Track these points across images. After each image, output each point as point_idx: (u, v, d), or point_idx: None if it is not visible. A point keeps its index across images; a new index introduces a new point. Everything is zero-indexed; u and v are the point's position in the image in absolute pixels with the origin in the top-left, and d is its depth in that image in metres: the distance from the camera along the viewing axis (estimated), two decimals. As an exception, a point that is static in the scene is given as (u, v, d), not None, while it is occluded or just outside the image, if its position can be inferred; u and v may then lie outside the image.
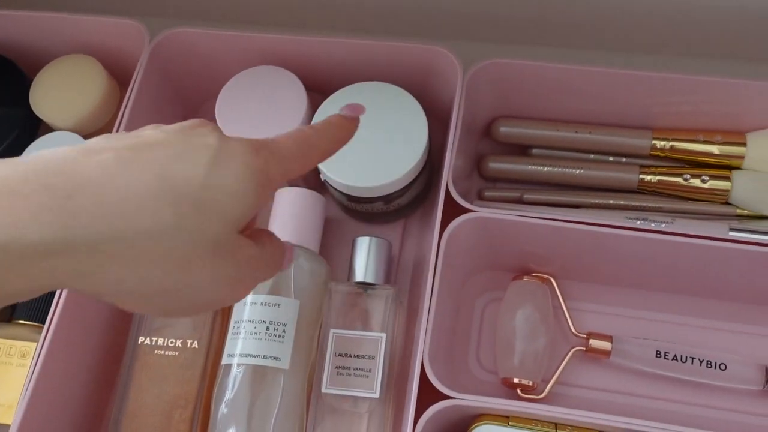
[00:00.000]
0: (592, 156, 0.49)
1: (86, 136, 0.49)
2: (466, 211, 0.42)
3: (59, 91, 0.50)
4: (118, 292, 0.24)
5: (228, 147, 0.25)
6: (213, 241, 0.24)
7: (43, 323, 0.45)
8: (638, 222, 0.44)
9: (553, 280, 0.46)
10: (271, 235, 0.29)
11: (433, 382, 0.37)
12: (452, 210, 0.42)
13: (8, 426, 0.43)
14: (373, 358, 0.42)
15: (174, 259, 0.23)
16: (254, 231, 0.28)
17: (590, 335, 0.44)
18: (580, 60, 0.45)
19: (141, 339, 0.43)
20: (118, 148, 0.24)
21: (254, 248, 0.27)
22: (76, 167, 0.23)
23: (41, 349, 0.40)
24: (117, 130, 0.45)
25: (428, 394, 0.38)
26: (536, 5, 0.51)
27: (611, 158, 0.49)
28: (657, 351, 0.42)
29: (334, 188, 0.46)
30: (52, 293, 0.42)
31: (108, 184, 0.23)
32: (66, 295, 0.41)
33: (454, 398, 0.37)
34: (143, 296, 0.24)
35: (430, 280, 0.40)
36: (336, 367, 0.42)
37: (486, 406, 0.37)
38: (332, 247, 0.49)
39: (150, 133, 0.25)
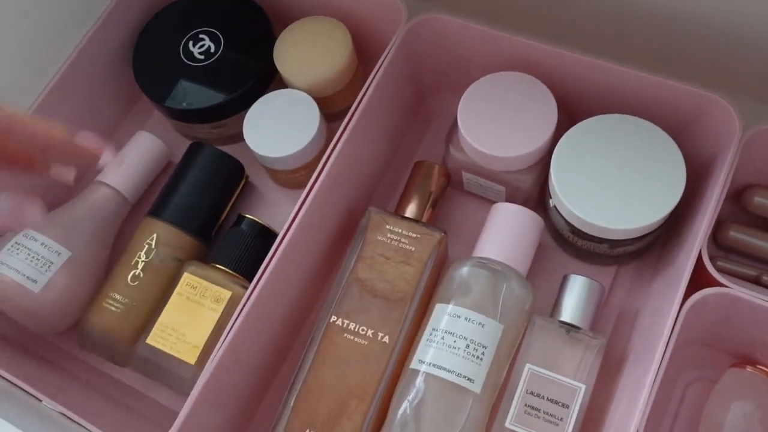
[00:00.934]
0: None
1: (318, 100, 0.49)
2: (711, 282, 0.38)
3: (303, 50, 0.49)
4: None
5: None
6: None
7: (239, 273, 0.46)
8: None
9: (780, 379, 0.41)
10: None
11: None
12: (693, 277, 0.38)
13: (190, 365, 0.43)
14: (567, 407, 0.39)
15: None
16: None
17: (814, 453, 0.39)
18: None
19: (333, 318, 0.43)
20: None
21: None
22: None
23: (245, 303, 0.40)
24: (358, 106, 0.44)
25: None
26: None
27: None
28: None
29: (560, 215, 0.43)
30: (260, 251, 0.42)
31: None
32: (279, 255, 0.41)
33: (664, 484, 0.34)
34: None
35: (660, 350, 0.36)
36: (525, 405, 0.40)
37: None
38: (534, 274, 0.46)
39: None
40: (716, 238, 0.46)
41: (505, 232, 0.44)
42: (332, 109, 0.51)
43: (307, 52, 0.49)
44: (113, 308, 0.45)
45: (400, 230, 0.44)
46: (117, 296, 0.46)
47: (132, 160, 0.50)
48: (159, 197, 0.49)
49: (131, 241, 0.48)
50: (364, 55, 0.52)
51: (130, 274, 0.46)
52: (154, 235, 0.47)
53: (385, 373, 0.41)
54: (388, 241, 0.44)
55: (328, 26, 0.50)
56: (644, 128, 0.42)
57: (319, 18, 0.51)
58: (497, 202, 0.47)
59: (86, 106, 0.53)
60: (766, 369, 0.41)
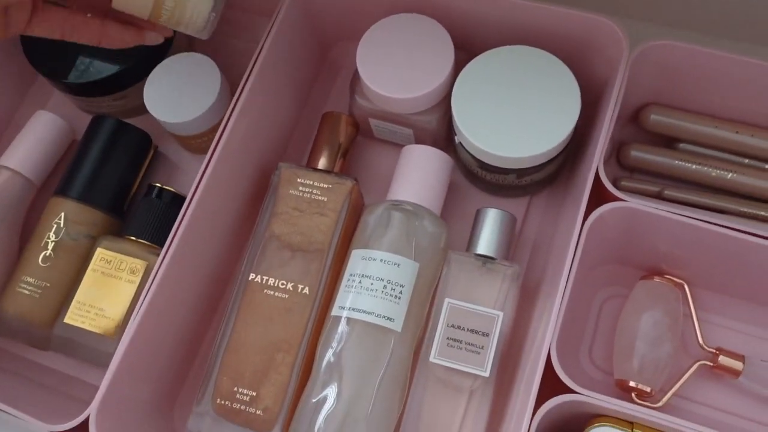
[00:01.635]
0: (746, 160, 0.45)
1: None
2: (611, 198, 0.39)
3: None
4: None
5: None
6: None
7: (154, 243, 0.45)
8: (794, 239, 0.41)
9: (686, 286, 0.43)
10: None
11: (559, 374, 0.35)
12: (595, 196, 0.39)
13: (112, 339, 0.43)
14: (487, 335, 0.40)
15: None
16: None
17: (720, 351, 0.41)
18: (757, 57, 0.41)
19: (252, 276, 0.43)
20: None
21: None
22: None
23: (158, 270, 0.40)
24: (254, 62, 0.44)
25: (546, 386, 0.36)
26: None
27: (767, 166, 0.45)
28: (794, 380, 0.39)
29: (467, 151, 0.43)
30: (174, 218, 0.41)
31: None
32: (188, 219, 0.41)
33: (578, 393, 0.35)
34: None
35: (567, 267, 0.37)
36: (447, 338, 0.41)
37: (610, 407, 0.35)
38: (449, 213, 0.47)
39: None
40: (620, 160, 0.47)
41: (416, 173, 0.44)
42: None
43: None
44: (26, 292, 0.44)
45: (311, 182, 0.44)
46: (29, 279, 0.44)
47: (32, 140, 0.49)
48: (64, 175, 0.48)
49: (39, 223, 0.46)
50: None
51: (41, 256, 0.45)
52: (62, 214, 0.46)
53: (308, 324, 0.41)
54: (301, 194, 0.44)
55: None
56: (538, 57, 0.43)
57: None
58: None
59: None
60: (672, 278, 0.43)
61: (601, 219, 0.38)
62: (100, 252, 0.45)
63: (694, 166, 0.45)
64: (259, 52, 0.44)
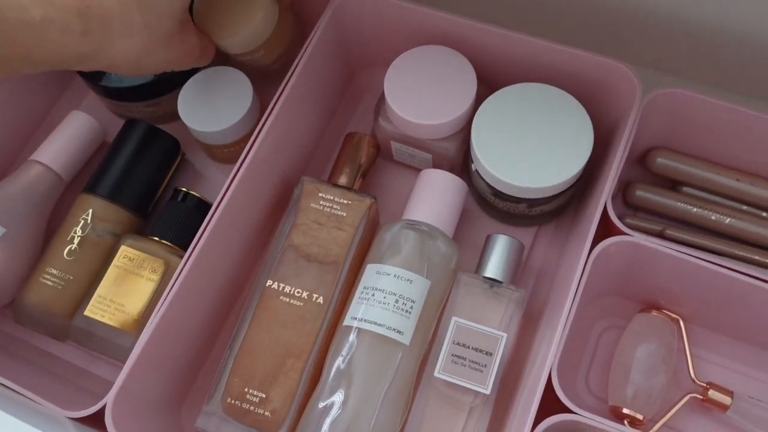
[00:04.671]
0: (745, 207, 0.47)
1: (251, 55, 0.48)
2: (617, 232, 0.41)
3: (219, 7, 0.46)
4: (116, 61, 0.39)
5: None
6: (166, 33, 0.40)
7: (176, 244, 0.47)
8: (786, 284, 0.43)
9: (681, 321, 0.45)
10: (201, 32, 0.44)
11: (558, 394, 0.37)
12: (601, 230, 0.42)
13: (130, 334, 0.44)
14: (491, 354, 0.42)
15: (143, 49, 0.39)
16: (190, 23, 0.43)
17: (710, 385, 0.43)
18: (760, 110, 0.44)
19: (269, 282, 0.44)
20: None
21: (194, 37, 0.43)
22: None
23: (181, 271, 0.42)
24: (288, 81, 0.46)
25: (545, 405, 0.38)
26: (726, 47, 0.50)
27: (765, 214, 0.47)
28: (779, 418, 0.41)
29: (482, 179, 0.46)
30: (197, 223, 0.43)
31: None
32: (213, 224, 0.42)
33: (575, 413, 0.37)
34: (127, 64, 0.39)
35: (571, 294, 0.39)
36: (452, 355, 0.42)
37: (606, 429, 0.37)
38: (460, 237, 0.49)
39: None
40: (625, 198, 0.49)
41: (432, 196, 0.46)
42: (269, 59, 0.49)
43: (225, 10, 0.46)
44: (50, 283, 0.46)
45: (332, 197, 0.46)
46: (53, 271, 0.46)
47: (65, 138, 0.51)
48: (94, 174, 0.50)
49: (67, 217, 0.48)
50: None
51: (66, 249, 0.47)
52: (90, 210, 0.48)
53: (320, 332, 0.43)
54: (321, 207, 0.46)
55: None
56: (556, 95, 0.46)
57: None
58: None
59: (19, 89, 0.53)
60: (668, 313, 0.45)
61: (606, 251, 0.41)
62: (124, 249, 0.46)
63: (695, 209, 0.47)
64: (293, 72, 0.46)
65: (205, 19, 0.45)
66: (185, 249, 0.47)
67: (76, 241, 0.47)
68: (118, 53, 0.38)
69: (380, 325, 0.42)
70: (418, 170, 0.49)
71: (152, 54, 0.40)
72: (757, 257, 0.46)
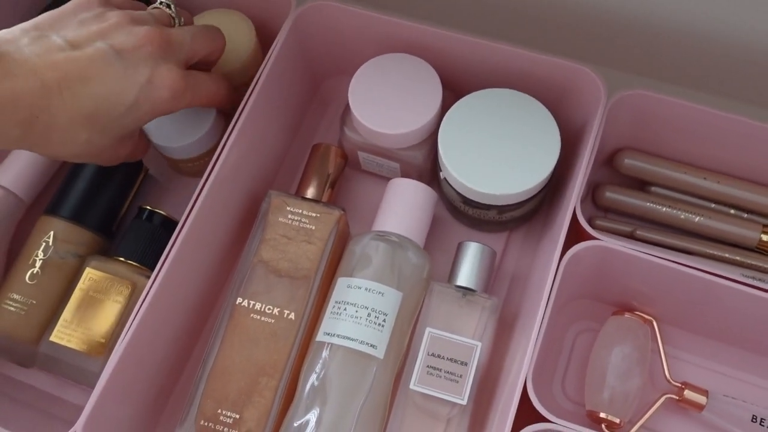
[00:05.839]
0: (713, 205, 0.48)
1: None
2: (587, 237, 0.41)
3: None
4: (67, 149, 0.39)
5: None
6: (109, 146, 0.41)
7: (142, 264, 0.46)
8: (756, 280, 0.43)
9: (654, 322, 0.45)
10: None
11: (534, 403, 0.37)
12: (572, 234, 0.41)
13: (98, 358, 0.43)
14: (466, 364, 0.42)
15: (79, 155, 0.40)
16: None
17: (686, 385, 0.43)
18: (724, 109, 0.44)
19: (239, 300, 0.44)
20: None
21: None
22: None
23: (148, 291, 0.41)
24: (251, 93, 0.45)
25: (521, 415, 0.37)
26: (689, 46, 0.50)
27: (732, 211, 0.47)
28: (754, 415, 0.41)
29: (451, 187, 0.45)
30: (163, 241, 0.42)
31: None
32: (180, 243, 0.42)
33: (551, 422, 0.37)
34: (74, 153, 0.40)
35: (543, 301, 0.39)
36: (427, 366, 0.42)
37: (582, 437, 0.37)
38: (431, 245, 0.49)
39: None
40: (595, 200, 0.49)
41: (401, 206, 0.46)
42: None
43: None
44: (12, 308, 0.45)
45: (300, 210, 0.46)
46: (16, 296, 0.45)
47: (25, 159, 0.50)
48: (55, 195, 0.48)
49: (27, 241, 0.47)
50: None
51: (28, 273, 0.45)
52: (51, 233, 0.46)
53: (293, 349, 0.43)
54: (290, 221, 0.45)
55: (229, 18, 0.50)
56: (522, 100, 0.45)
57: (220, 11, 0.51)
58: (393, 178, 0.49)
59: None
60: (641, 314, 0.45)
61: (576, 257, 0.40)
62: (88, 272, 0.45)
63: (664, 209, 0.47)
64: (256, 83, 0.45)
65: None
66: (151, 268, 0.46)
67: (38, 264, 0.46)
68: (55, 153, 0.39)
69: (353, 339, 0.41)
70: (387, 179, 0.49)
71: (93, 158, 0.41)
72: (726, 255, 0.46)
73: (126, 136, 0.42)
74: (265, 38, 0.51)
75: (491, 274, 0.45)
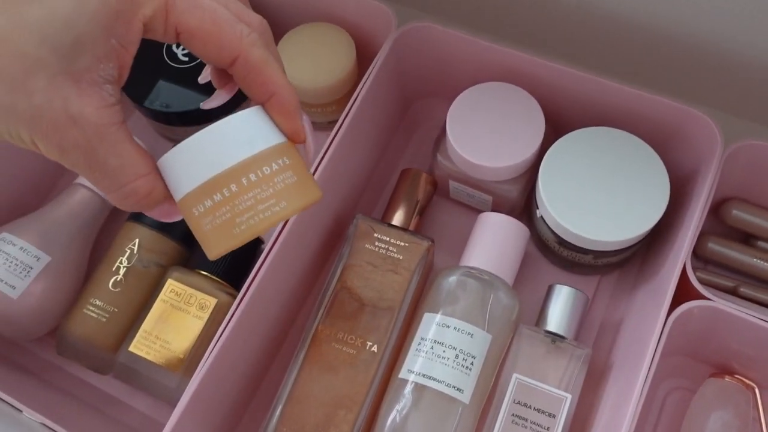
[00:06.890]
0: (824, 266, 0.45)
1: (321, 105, 0.48)
2: (693, 293, 0.39)
3: (306, 56, 0.48)
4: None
5: None
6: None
7: (224, 280, 0.45)
8: None
9: (756, 389, 0.42)
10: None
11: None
12: (677, 289, 0.39)
13: (175, 373, 0.43)
14: (554, 417, 0.40)
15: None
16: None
17: (788, 460, 0.40)
18: None
19: (321, 326, 0.42)
20: None
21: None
22: None
23: (234, 312, 0.40)
24: (349, 111, 0.44)
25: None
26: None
27: None
28: None
29: (546, 225, 0.43)
30: (245, 257, 0.42)
31: None
32: (268, 263, 0.41)
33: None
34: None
35: (648, 358, 0.37)
36: (512, 414, 0.40)
37: None
38: (518, 283, 0.47)
39: None
40: (695, 250, 0.47)
41: (492, 242, 0.44)
42: (323, 118, 0.51)
43: (311, 58, 0.48)
44: (94, 315, 0.44)
45: (387, 238, 0.44)
46: (98, 302, 0.45)
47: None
48: (141, 201, 0.48)
49: (112, 246, 0.47)
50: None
51: (112, 280, 0.45)
52: (136, 240, 0.46)
53: (374, 383, 0.41)
54: (376, 249, 0.44)
55: (330, 33, 0.49)
56: (628, 141, 0.43)
57: (321, 24, 0.50)
58: (483, 210, 0.47)
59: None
60: (743, 379, 0.42)
61: (686, 315, 0.38)
62: (170, 283, 0.45)
63: (771, 266, 0.44)
64: (353, 103, 0.44)
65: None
66: (232, 284, 0.45)
67: (122, 272, 0.45)
68: None
69: (440, 381, 0.40)
70: (475, 210, 0.47)
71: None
72: (838, 321, 0.43)
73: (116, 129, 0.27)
74: (360, 54, 0.49)
75: (582, 320, 0.43)
